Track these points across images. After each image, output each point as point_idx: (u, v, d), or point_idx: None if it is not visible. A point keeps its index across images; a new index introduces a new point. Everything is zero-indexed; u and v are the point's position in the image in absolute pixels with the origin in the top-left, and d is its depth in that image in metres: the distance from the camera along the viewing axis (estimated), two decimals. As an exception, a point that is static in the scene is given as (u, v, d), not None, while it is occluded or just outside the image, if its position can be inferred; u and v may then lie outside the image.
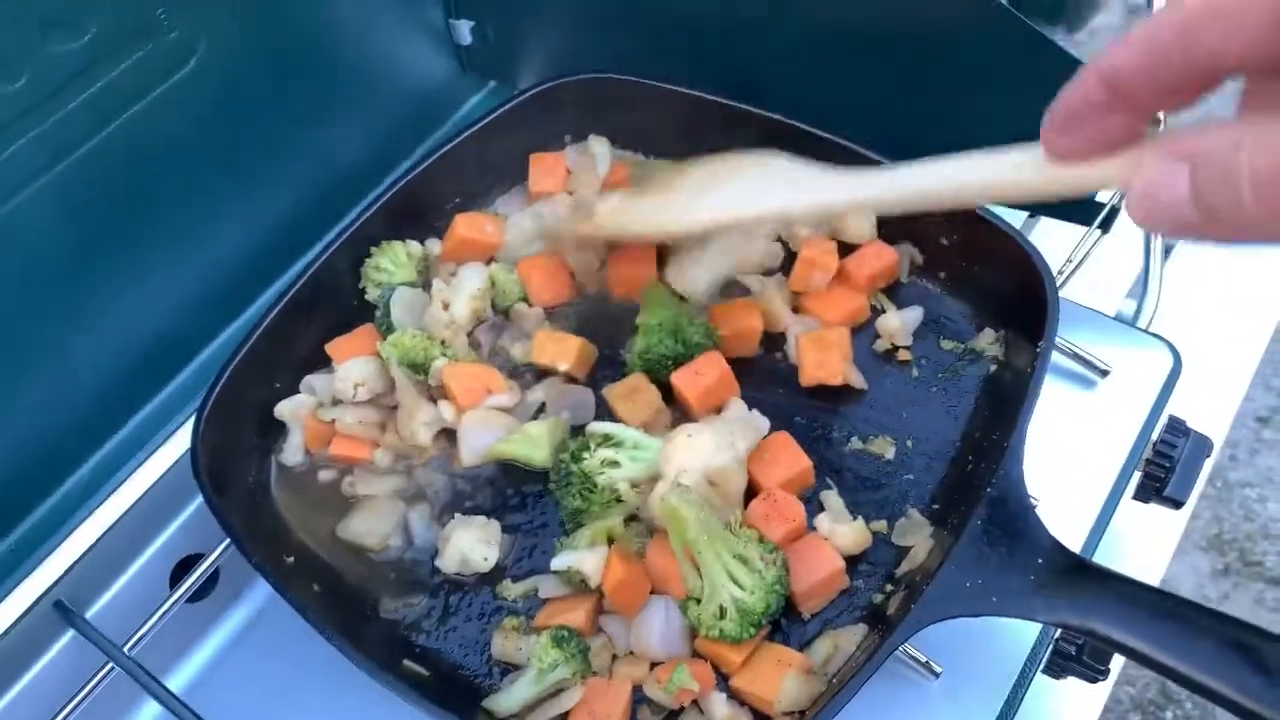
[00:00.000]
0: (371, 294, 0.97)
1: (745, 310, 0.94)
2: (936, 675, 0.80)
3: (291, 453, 0.92)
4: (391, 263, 0.97)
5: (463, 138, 1.00)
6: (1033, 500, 0.74)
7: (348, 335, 0.95)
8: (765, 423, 0.86)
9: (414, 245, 0.99)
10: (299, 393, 0.93)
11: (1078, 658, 0.81)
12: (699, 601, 0.76)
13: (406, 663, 0.79)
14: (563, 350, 0.93)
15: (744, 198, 0.80)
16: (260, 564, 0.79)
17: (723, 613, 0.74)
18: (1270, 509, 2.34)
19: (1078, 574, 0.70)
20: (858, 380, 0.91)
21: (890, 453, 0.87)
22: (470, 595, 0.85)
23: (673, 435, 0.81)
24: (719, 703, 0.74)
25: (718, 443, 0.80)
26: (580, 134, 1.06)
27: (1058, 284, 0.86)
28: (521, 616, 0.82)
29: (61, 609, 0.88)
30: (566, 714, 0.76)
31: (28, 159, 0.81)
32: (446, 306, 0.93)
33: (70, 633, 0.88)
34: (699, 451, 0.80)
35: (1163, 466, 0.88)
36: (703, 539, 0.75)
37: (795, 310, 0.95)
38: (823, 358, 0.90)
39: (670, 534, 0.77)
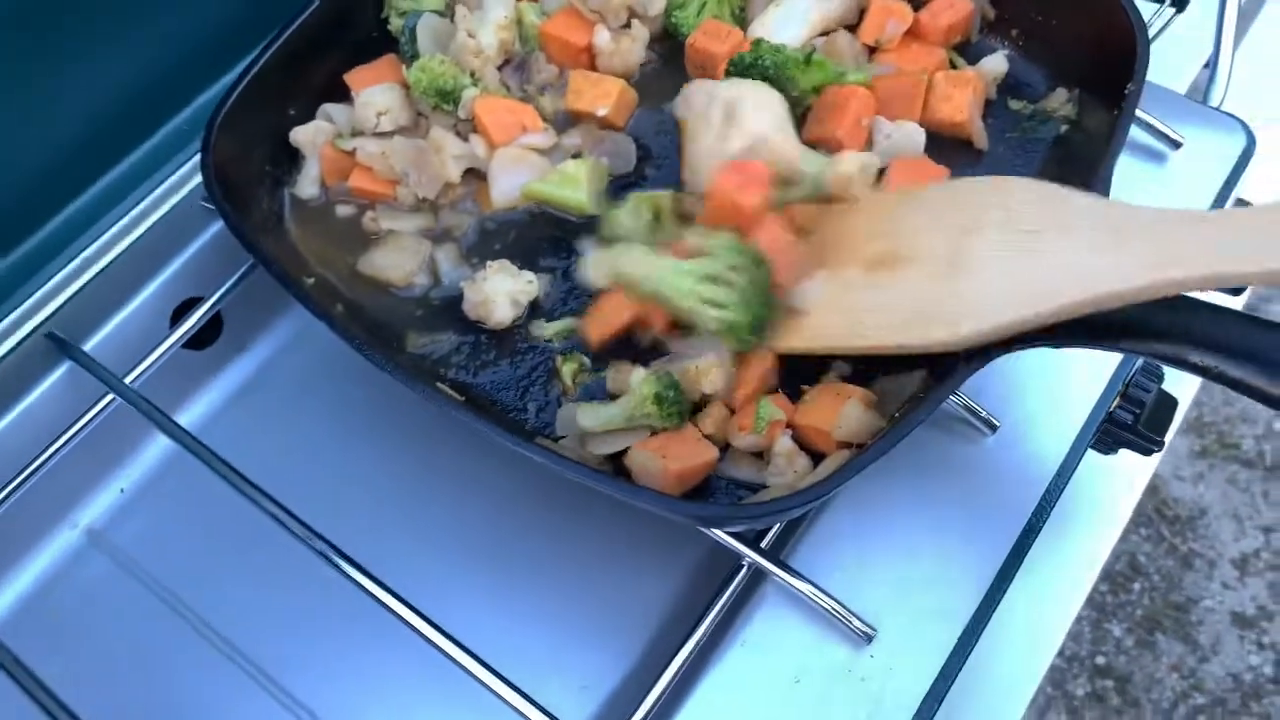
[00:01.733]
0: (395, 24, 0.89)
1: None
2: (994, 430, 0.76)
3: (307, 185, 0.85)
4: None
5: None
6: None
7: (369, 65, 0.87)
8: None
9: None
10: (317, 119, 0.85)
11: (1134, 428, 0.78)
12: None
13: (440, 385, 0.73)
14: (601, 94, 0.86)
15: (1036, 277, 0.59)
16: (282, 276, 0.73)
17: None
18: (1252, 394, 2.34)
19: (1166, 306, 0.66)
20: (980, 134, 0.84)
21: (954, 207, 0.82)
22: (502, 334, 0.80)
23: None
24: (784, 438, 0.70)
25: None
26: None
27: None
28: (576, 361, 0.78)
29: (56, 340, 0.82)
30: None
31: None
32: (472, 35, 0.85)
33: (66, 364, 0.82)
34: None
35: (1227, 248, 0.84)
36: (659, 288, 0.71)
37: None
38: (952, 93, 0.83)
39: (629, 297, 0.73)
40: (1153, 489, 2.23)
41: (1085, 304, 0.57)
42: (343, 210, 0.85)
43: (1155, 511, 2.23)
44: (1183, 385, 0.84)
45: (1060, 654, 2.19)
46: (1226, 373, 0.62)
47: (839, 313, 0.68)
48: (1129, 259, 0.55)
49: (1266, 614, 2.10)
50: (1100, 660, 2.09)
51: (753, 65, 0.81)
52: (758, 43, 0.82)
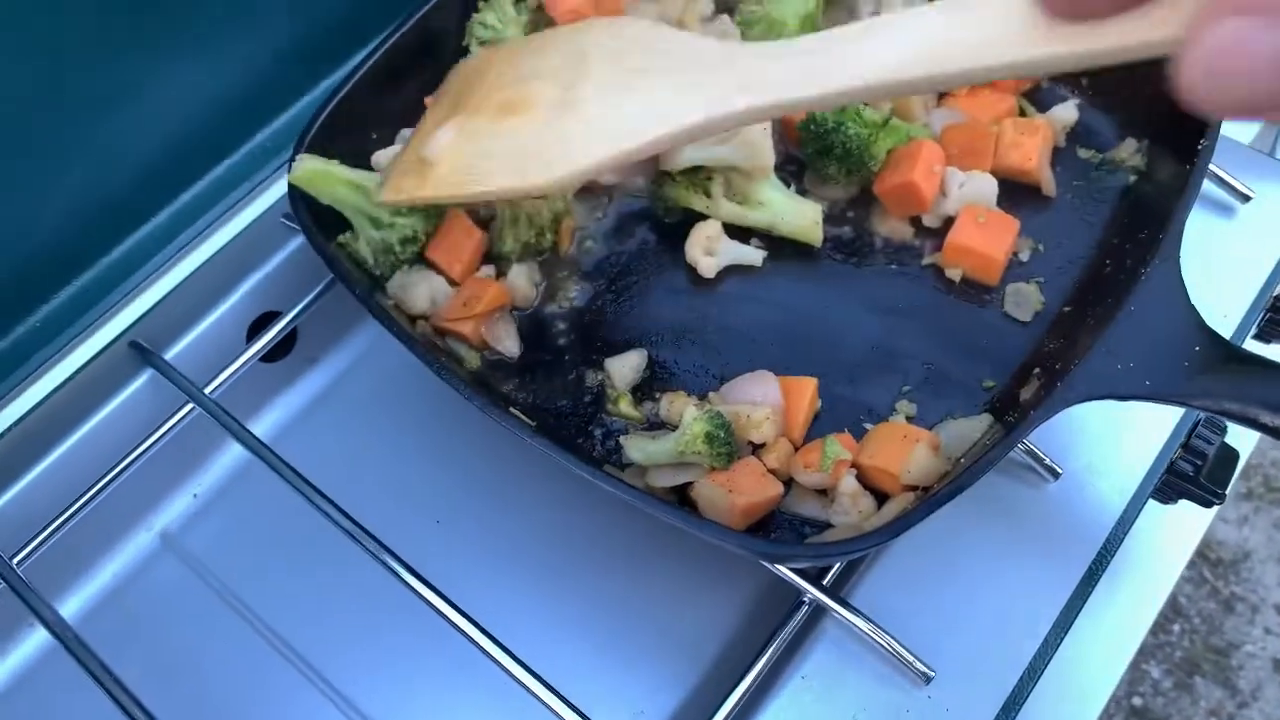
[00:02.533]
0: (475, 51, 0.91)
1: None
2: (1056, 476, 0.77)
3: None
4: (499, 19, 0.91)
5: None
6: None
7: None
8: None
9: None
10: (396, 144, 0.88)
11: (1195, 479, 0.79)
12: None
13: (512, 410, 0.75)
14: None
15: (634, 114, 0.58)
16: (364, 297, 0.75)
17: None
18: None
19: (1236, 362, 0.66)
20: (1049, 182, 0.86)
21: (1025, 254, 0.83)
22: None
23: None
24: (849, 477, 0.71)
25: None
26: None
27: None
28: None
29: (139, 349, 0.85)
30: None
31: None
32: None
33: (148, 373, 0.85)
34: None
35: (1295, 304, 0.85)
36: None
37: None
38: (1021, 140, 0.84)
39: None
40: (1196, 530, 2.21)
41: (664, 140, 0.57)
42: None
43: (1198, 554, 2.20)
44: (1244, 438, 0.84)
45: (1125, 670, 2.16)
46: (1297, 433, 0.62)
47: (463, 161, 0.67)
48: (708, 93, 0.56)
49: (1309, 662, 2.07)
50: (1137, 701, 2.07)
51: (834, 131, 0.83)
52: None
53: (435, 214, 0.83)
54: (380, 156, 0.87)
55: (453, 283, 0.83)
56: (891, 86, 0.49)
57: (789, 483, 0.74)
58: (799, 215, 0.84)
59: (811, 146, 0.84)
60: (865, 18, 0.86)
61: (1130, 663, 0.81)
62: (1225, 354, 0.67)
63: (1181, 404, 0.66)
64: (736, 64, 0.56)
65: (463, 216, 0.84)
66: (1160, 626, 2.13)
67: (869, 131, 0.83)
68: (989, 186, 0.84)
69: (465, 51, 0.92)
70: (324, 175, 0.81)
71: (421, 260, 0.84)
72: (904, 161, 0.83)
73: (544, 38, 0.70)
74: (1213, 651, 2.11)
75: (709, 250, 0.85)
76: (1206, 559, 2.20)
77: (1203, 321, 0.68)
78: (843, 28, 0.52)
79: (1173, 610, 2.15)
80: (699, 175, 0.85)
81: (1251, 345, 0.88)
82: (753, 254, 0.85)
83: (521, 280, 0.84)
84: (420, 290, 0.81)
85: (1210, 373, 0.66)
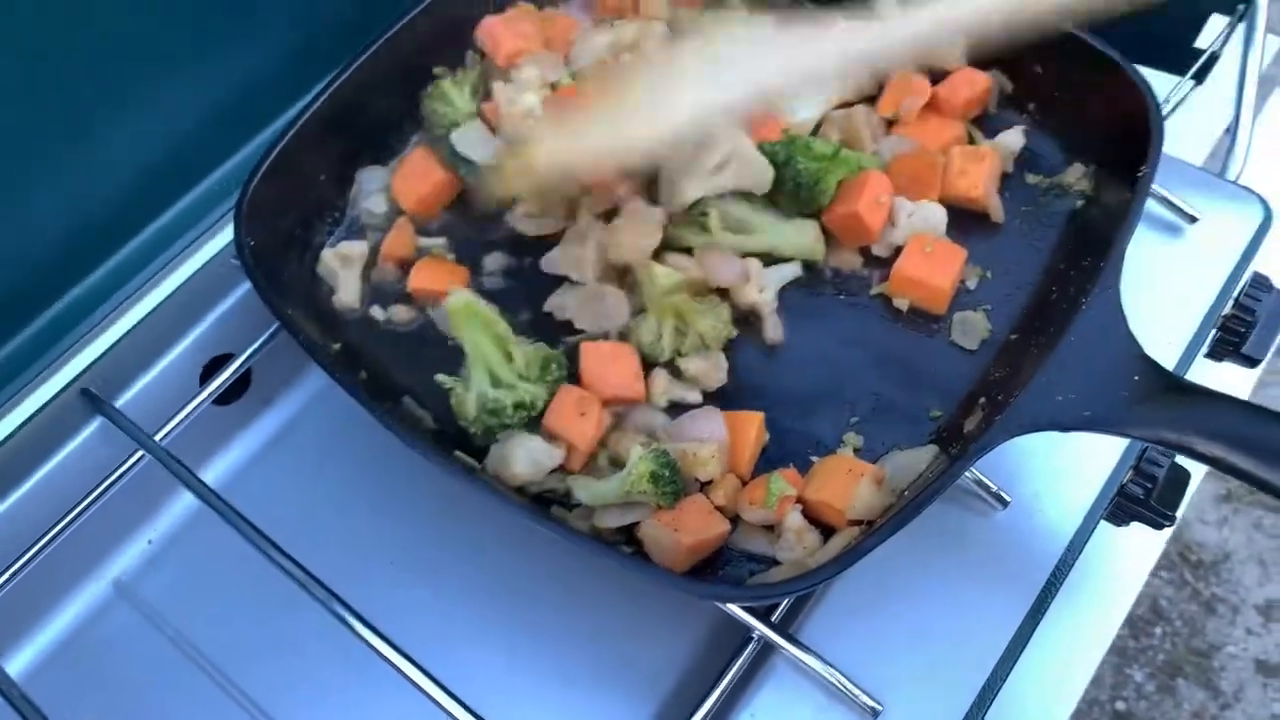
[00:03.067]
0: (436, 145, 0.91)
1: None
2: (1005, 505, 0.77)
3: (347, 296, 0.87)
4: (446, 104, 0.90)
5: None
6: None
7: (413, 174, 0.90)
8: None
9: (463, 73, 0.93)
10: (349, 181, 0.89)
11: (1145, 502, 0.79)
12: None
13: (458, 454, 0.75)
14: None
15: (716, 82, 0.69)
16: (308, 345, 0.75)
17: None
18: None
19: (1175, 392, 0.67)
20: (996, 209, 0.86)
21: (972, 282, 0.84)
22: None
23: None
24: (794, 513, 0.71)
25: None
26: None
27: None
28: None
29: (89, 396, 0.84)
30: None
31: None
32: (513, 103, 0.87)
33: (98, 420, 0.85)
34: None
35: (1243, 322, 0.85)
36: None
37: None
38: (969, 168, 0.85)
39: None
40: (1176, 533, 2.21)
41: (754, 94, 0.70)
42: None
43: (1179, 556, 2.21)
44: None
45: (1080, 697, 2.17)
46: (1234, 463, 0.63)
47: (562, 138, 0.76)
48: (782, 64, 0.69)
49: (1291, 662, 2.07)
50: (1120, 705, 2.07)
51: (785, 165, 0.83)
52: (790, 139, 0.84)
53: (556, 386, 0.78)
54: (328, 254, 0.87)
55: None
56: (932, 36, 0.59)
57: (737, 518, 0.74)
58: (799, 234, 0.85)
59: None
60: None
61: (1082, 693, 0.81)
62: (1165, 383, 0.67)
63: (1120, 434, 0.67)
64: (829, 31, 0.65)
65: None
66: (1142, 630, 2.14)
67: (819, 165, 0.83)
68: (937, 215, 0.84)
69: (412, 99, 0.92)
70: (471, 312, 0.78)
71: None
72: (851, 193, 0.83)
73: (629, 63, 0.80)
74: (1195, 654, 2.12)
75: (760, 286, 0.84)
76: (1187, 561, 2.21)
77: (1141, 351, 0.69)
78: None
79: (1154, 613, 2.16)
80: (695, 212, 0.84)
81: (1203, 364, 0.88)
82: (793, 268, 0.85)
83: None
84: (519, 455, 0.75)
85: (1149, 402, 0.66)
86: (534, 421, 0.77)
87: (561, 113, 0.78)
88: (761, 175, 0.83)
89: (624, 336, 0.81)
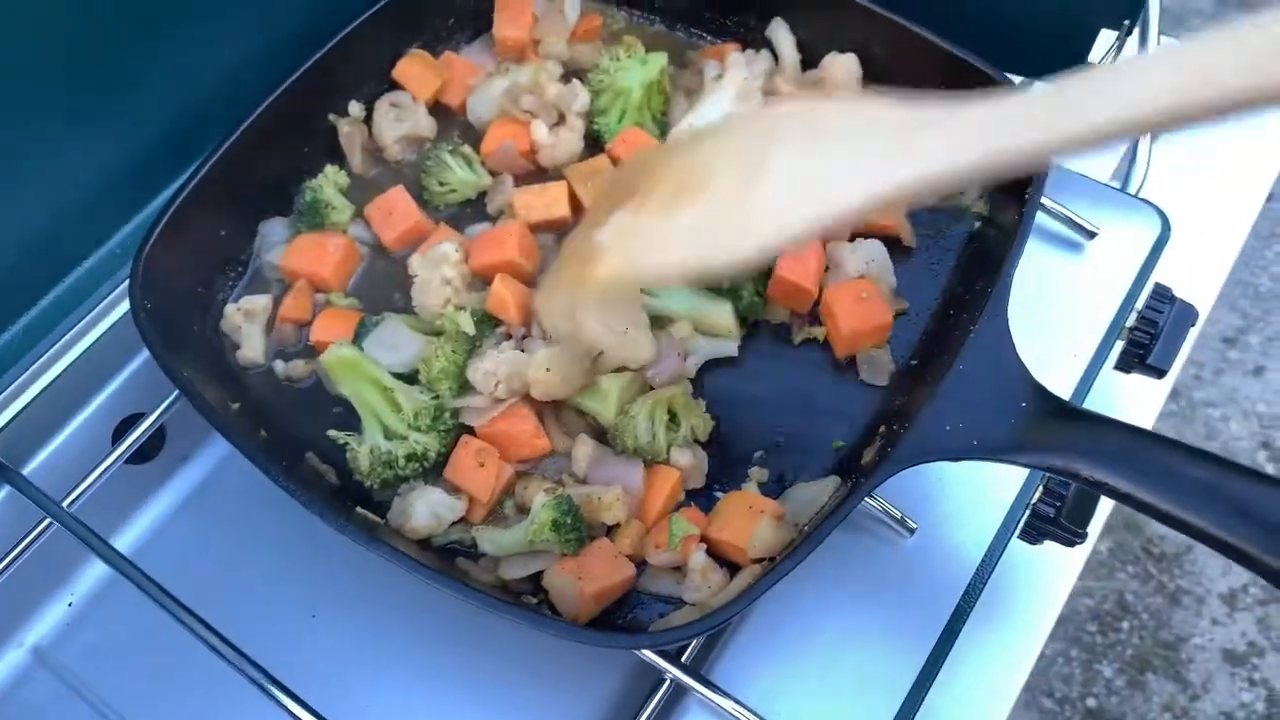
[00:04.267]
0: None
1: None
2: (912, 532, 0.77)
3: (250, 352, 0.87)
4: (329, 193, 0.91)
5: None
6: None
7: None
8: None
9: (341, 176, 0.93)
10: (251, 235, 0.89)
11: (1055, 520, 0.79)
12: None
13: (360, 510, 0.75)
14: (550, 199, 0.88)
15: (835, 178, 0.55)
16: (204, 409, 0.75)
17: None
18: (1231, 428, 2.35)
19: (1062, 418, 0.67)
20: (909, 232, 0.86)
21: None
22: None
23: None
24: (699, 553, 0.71)
25: None
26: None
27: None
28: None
29: (-4, 464, 0.83)
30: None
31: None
32: (448, 282, 0.84)
33: (5, 489, 0.84)
34: None
35: (1147, 334, 0.86)
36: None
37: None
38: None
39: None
40: (1138, 527, 2.23)
41: (874, 199, 0.54)
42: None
43: (1142, 549, 2.22)
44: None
45: (1050, 695, 2.18)
46: (1118, 488, 0.63)
47: (636, 243, 0.64)
48: (923, 148, 0.53)
49: (1257, 650, 2.09)
50: (1091, 702, 2.08)
51: None
52: None
53: (449, 435, 0.78)
54: (231, 310, 0.87)
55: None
56: (1127, 125, 0.47)
57: (644, 562, 0.74)
58: (719, 315, 0.82)
59: None
60: (709, 84, 0.87)
61: (1069, 656, 0.80)
62: (1053, 409, 0.68)
63: (1009, 462, 0.67)
64: (951, 120, 0.53)
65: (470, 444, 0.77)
66: (1109, 625, 2.15)
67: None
68: (880, 252, 0.84)
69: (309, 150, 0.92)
70: (353, 366, 0.78)
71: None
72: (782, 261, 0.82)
73: (725, 127, 0.67)
74: (1162, 646, 2.13)
75: (687, 351, 0.82)
76: (1150, 554, 2.22)
77: (1030, 377, 0.69)
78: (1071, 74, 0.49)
79: (1120, 608, 2.17)
80: None
81: (1112, 376, 0.89)
82: (728, 346, 0.83)
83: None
84: (419, 509, 0.75)
85: (1036, 429, 0.67)
86: (435, 471, 0.76)
87: (638, 201, 0.64)
88: (641, 353, 0.79)
89: (601, 436, 0.79)
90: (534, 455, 0.78)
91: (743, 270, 0.64)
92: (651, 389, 0.79)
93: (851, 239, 0.85)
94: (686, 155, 0.64)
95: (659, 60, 0.92)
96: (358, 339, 0.83)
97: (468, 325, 0.80)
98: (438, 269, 0.84)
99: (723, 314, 0.82)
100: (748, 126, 0.62)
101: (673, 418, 0.78)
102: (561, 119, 0.93)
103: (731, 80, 0.89)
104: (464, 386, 0.79)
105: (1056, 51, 0.95)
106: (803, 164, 0.57)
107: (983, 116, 0.52)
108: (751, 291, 0.83)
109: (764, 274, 0.83)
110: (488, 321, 0.82)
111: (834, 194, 0.55)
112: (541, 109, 0.92)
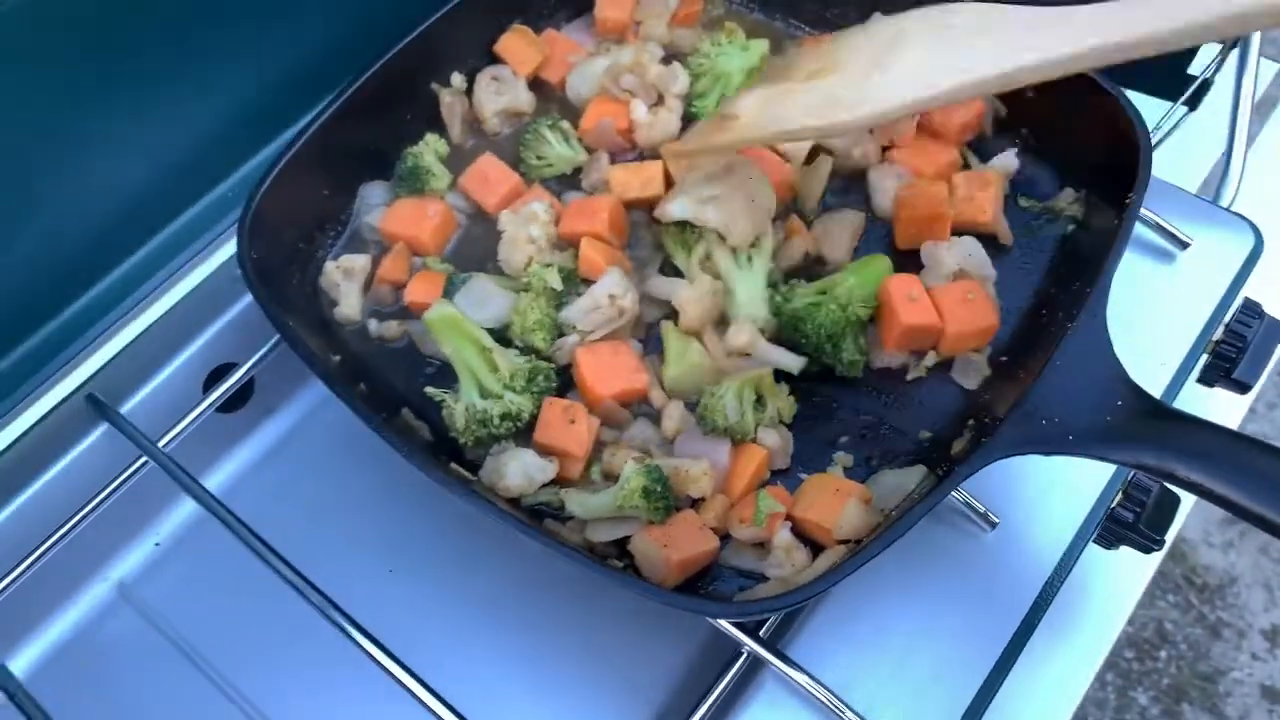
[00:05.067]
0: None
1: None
2: (993, 526, 0.78)
3: (347, 309, 0.88)
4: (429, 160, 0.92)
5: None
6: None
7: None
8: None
9: (441, 144, 0.95)
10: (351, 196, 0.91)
11: (1134, 525, 0.79)
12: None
13: (454, 466, 0.76)
14: (646, 178, 0.89)
15: (945, 63, 0.64)
16: (308, 357, 0.77)
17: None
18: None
19: (1158, 417, 0.68)
20: (1005, 231, 0.86)
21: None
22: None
23: None
24: (784, 530, 0.72)
25: None
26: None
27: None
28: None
29: (95, 402, 0.86)
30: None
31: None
32: (532, 241, 0.86)
33: (104, 426, 0.87)
34: None
35: (1234, 347, 0.86)
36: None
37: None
38: (975, 194, 0.85)
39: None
40: (1181, 555, 2.20)
41: (961, 88, 0.63)
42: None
43: (1184, 578, 2.20)
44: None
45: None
46: (1214, 489, 0.63)
47: (766, 111, 0.73)
48: (1034, 41, 0.62)
49: (1296, 688, 2.06)
50: (1124, 730, 2.06)
51: (803, 320, 0.80)
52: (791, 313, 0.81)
53: (542, 396, 0.79)
54: (330, 267, 0.88)
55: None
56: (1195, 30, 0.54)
57: (727, 535, 0.75)
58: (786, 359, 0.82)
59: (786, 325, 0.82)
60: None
61: (1104, 681, 0.81)
62: (1148, 408, 0.68)
63: (1102, 458, 0.67)
64: (1077, 14, 0.60)
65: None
66: (1146, 653, 2.13)
67: (840, 325, 0.80)
68: (978, 250, 0.84)
69: (419, 106, 0.94)
70: (453, 324, 0.79)
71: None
72: (887, 316, 0.81)
73: (858, 27, 0.74)
74: (1200, 678, 2.10)
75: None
76: (1193, 584, 2.20)
77: (1126, 375, 0.69)
78: None
79: (1159, 636, 2.15)
80: (687, 233, 0.84)
81: (1194, 389, 0.89)
82: (791, 360, 0.82)
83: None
84: (513, 468, 0.75)
85: (1131, 427, 0.67)
86: (526, 434, 0.78)
87: (773, 85, 0.73)
88: (743, 234, 0.81)
89: (694, 407, 0.80)
90: (631, 391, 0.79)
91: (856, 129, 0.71)
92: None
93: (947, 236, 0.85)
94: (821, 50, 0.72)
95: (760, 47, 0.93)
96: (446, 294, 0.85)
97: (555, 281, 0.82)
98: (526, 226, 0.86)
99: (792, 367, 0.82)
100: (880, 27, 0.70)
101: (759, 399, 0.79)
102: (660, 100, 0.94)
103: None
104: (557, 339, 0.82)
105: (1158, 63, 0.94)
106: (921, 54, 0.65)
107: (1095, 14, 0.60)
108: (854, 349, 0.81)
109: (860, 324, 0.81)
110: (571, 280, 0.84)
111: (934, 80, 0.64)
112: (641, 89, 0.93)
